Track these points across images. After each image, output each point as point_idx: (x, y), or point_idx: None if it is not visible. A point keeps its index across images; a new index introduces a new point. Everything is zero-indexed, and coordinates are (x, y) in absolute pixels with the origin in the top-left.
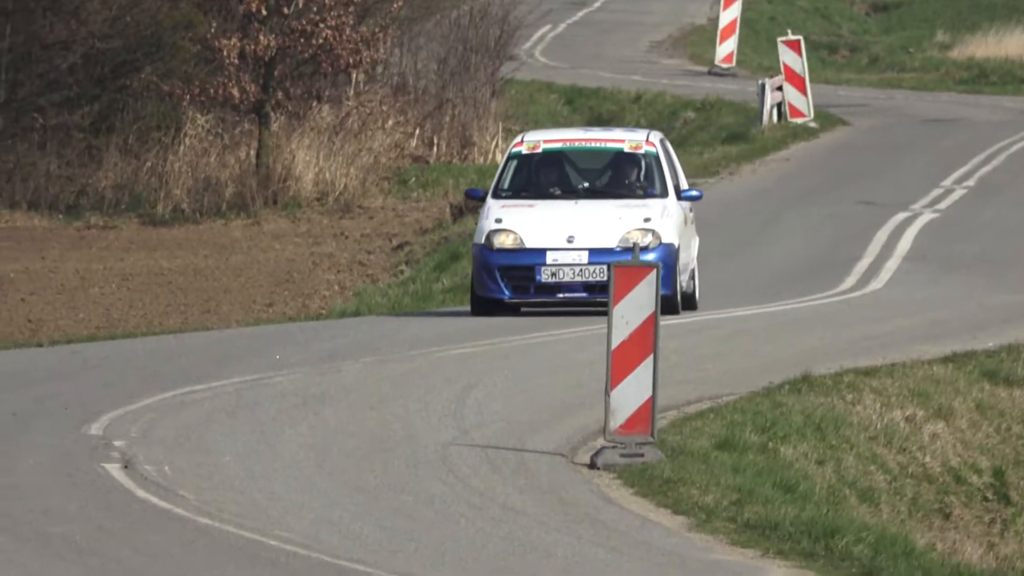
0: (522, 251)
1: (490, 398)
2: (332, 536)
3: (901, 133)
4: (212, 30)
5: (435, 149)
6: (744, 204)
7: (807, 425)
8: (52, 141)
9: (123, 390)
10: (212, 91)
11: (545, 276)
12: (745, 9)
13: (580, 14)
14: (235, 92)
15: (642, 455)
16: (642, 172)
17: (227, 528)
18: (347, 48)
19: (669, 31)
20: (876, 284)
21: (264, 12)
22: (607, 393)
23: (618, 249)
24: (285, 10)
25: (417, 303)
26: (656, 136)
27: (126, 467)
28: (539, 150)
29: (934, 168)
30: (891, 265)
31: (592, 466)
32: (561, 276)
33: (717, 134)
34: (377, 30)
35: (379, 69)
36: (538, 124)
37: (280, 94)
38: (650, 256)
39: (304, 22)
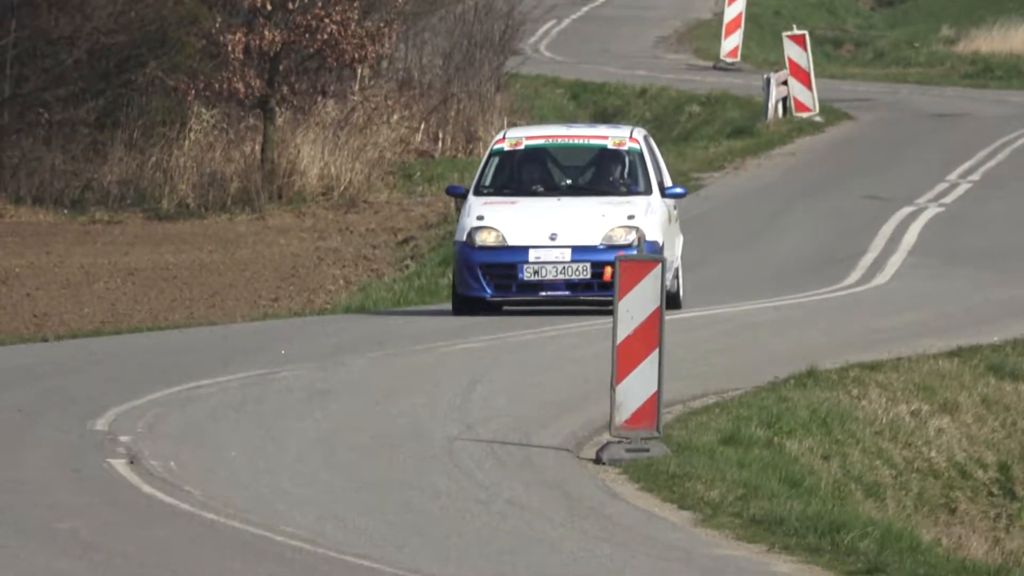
0: (504, 249)
1: (496, 393)
2: (338, 531)
3: (906, 127)
4: (217, 25)
5: (440, 144)
6: (749, 198)
7: (812, 420)
8: (57, 136)
9: (129, 385)
10: (217, 86)
11: (527, 274)
12: (750, 4)
13: (585, 9)
14: (240, 87)
15: (647, 450)
16: (626, 169)
17: (233, 523)
18: (352, 43)
19: (674, 26)
20: (881, 278)
21: (269, 7)
22: (612, 388)
23: (601, 247)
24: (290, 5)
25: (423, 298)
26: (640, 133)
27: (132, 462)
28: (521, 146)
29: (939, 162)
30: (896, 259)
31: (598, 461)
32: (544, 274)
33: (722, 129)
34: (382, 25)
35: (384, 64)
36: (543, 119)
37: (285, 89)
38: (633, 254)
39: (309, 17)
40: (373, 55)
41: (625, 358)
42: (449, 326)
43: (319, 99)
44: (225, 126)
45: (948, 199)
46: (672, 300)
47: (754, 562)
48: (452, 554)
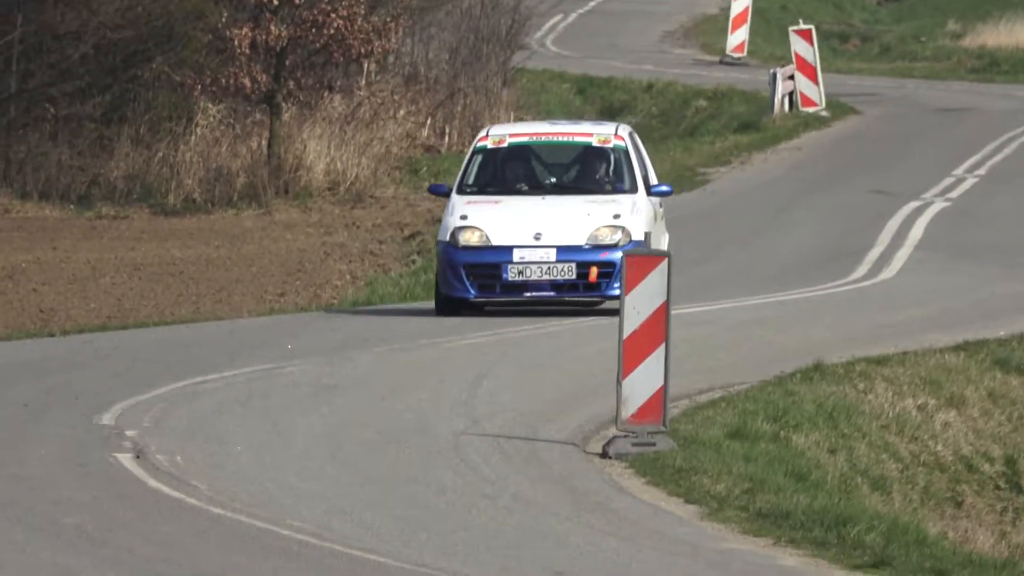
0: (488, 249)
1: (501, 388)
2: (344, 525)
3: (912, 122)
4: (223, 20)
5: (446, 139)
6: (755, 193)
7: (819, 414)
8: (64, 131)
9: (135, 380)
10: (224, 81)
11: (512, 274)
12: None
13: (592, 3)
14: (247, 82)
15: (654, 444)
16: (611, 167)
17: (239, 518)
18: (359, 38)
19: (681, 21)
20: (888, 273)
21: (276, 2)
22: (619, 382)
23: (587, 247)
24: (296, 0)
25: (429, 293)
26: (625, 130)
27: (138, 457)
28: (505, 144)
29: (946, 157)
30: (903, 254)
31: (604, 455)
32: (528, 274)
33: (729, 123)
34: (389, 20)
35: (390, 59)
36: (550, 114)
37: (292, 84)
38: (618, 255)
39: (315, 12)
40: (379, 50)
41: (631, 353)
42: (454, 322)
43: (325, 94)
44: (231, 121)
45: (954, 194)
46: None
47: (760, 555)
48: (458, 548)
